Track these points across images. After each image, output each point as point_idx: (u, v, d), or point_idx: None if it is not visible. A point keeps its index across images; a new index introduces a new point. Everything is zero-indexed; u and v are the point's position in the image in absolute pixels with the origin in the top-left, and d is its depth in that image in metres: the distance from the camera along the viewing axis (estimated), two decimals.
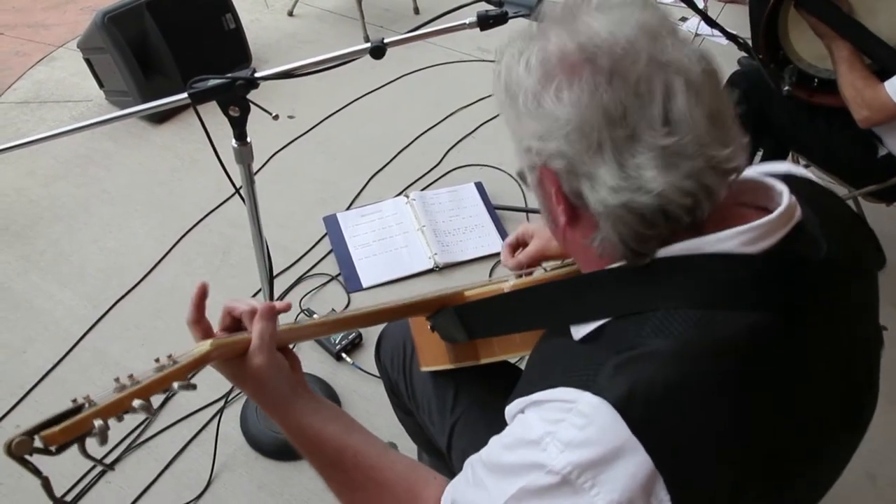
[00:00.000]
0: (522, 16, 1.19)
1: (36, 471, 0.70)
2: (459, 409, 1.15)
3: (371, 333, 1.91)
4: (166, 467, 1.70)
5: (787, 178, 0.78)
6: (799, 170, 0.88)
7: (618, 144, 0.66)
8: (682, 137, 0.66)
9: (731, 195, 0.71)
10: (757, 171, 0.82)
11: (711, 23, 1.34)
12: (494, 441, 0.74)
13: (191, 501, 1.64)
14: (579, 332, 0.75)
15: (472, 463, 0.76)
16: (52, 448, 0.69)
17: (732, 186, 0.70)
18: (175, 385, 0.78)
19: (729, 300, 0.68)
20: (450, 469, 1.16)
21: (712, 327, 0.66)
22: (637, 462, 0.62)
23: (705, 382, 0.65)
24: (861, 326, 0.78)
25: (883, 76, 1.62)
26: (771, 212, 0.72)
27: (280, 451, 1.71)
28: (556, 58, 0.69)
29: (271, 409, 0.90)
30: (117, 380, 0.76)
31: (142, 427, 1.76)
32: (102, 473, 1.66)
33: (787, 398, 0.69)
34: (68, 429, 0.69)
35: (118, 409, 0.74)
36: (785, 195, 0.73)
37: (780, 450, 0.70)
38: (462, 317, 0.99)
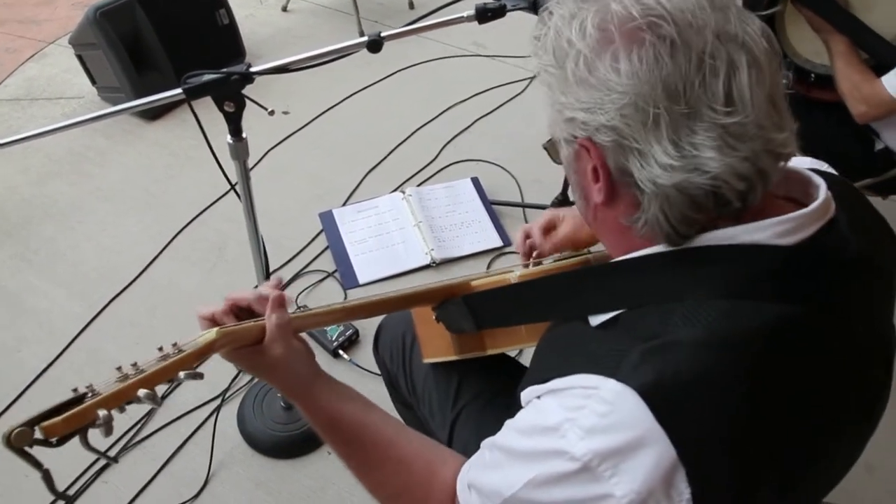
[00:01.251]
0: (521, 9, 1.18)
1: (36, 463, 0.68)
2: (461, 404, 1.14)
3: (368, 330, 1.90)
4: (163, 466, 1.69)
5: (813, 173, 0.76)
6: (822, 165, 0.87)
7: (676, 121, 0.63)
8: (745, 117, 0.63)
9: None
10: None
11: None
12: (509, 425, 0.73)
13: (188, 500, 1.63)
14: (598, 318, 0.73)
15: (488, 446, 0.75)
16: (53, 440, 0.67)
17: (782, 172, 0.68)
18: (181, 374, 0.76)
19: (760, 291, 0.66)
20: None
21: (741, 318, 0.64)
22: (660, 452, 0.61)
23: (732, 374, 0.64)
24: (879, 324, 0.78)
25: (879, 71, 1.62)
26: (804, 204, 0.70)
27: (277, 449, 1.71)
28: (615, 22, 0.64)
29: (293, 393, 0.90)
30: (120, 368, 0.74)
31: (139, 426, 1.75)
32: (99, 473, 1.65)
33: (808, 392, 0.69)
34: (71, 419, 0.67)
35: (122, 398, 0.71)
36: (822, 189, 0.71)
37: (798, 443, 0.69)
38: (471, 306, 0.97)
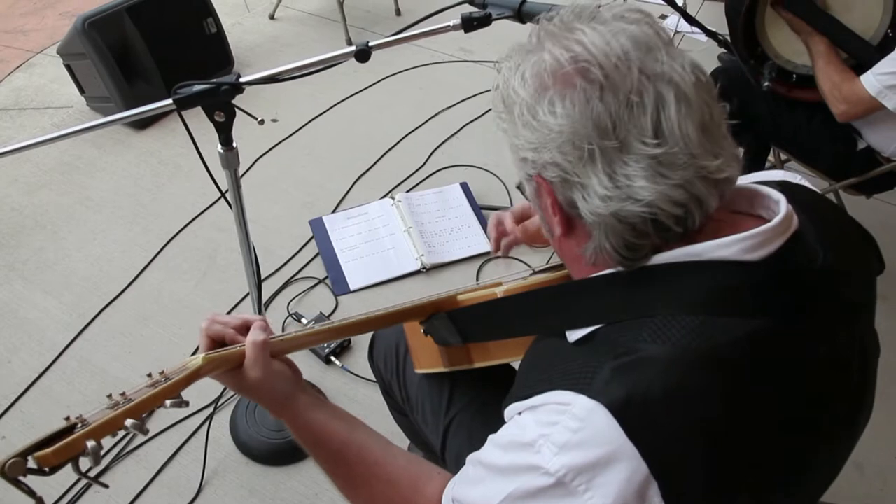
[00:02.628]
0: (506, 17, 1.19)
1: (30, 492, 0.70)
2: (453, 411, 1.15)
3: (360, 336, 1.91)
4: (156, 475, 1.69)
5: (783, 186, 0.78)
6: (794, 177, 0.89)
7: (608, 155, 0.67)
8: (672, 147, 0.66)
9: (725, 204, 0.72)
10: (752, 179, 0.82)
11: (691, 20, 1.35)
12: (491, 440, 0.75)
13: None
14: (574, 334, 0.75)
15: (472, 461, 0.77)
16: (46, 468, 0.69)
17: (725, 197, 0.71)
18: (167, 403, 0.79)
19: (729, 307, 0.68)
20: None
21: (711, 334, 0.66)
22: (632, 468, 0.62)
23: (703, 389, 0.65)
24: (858, 333, 0.79)
25: (859, 70, 1.65)
26: (766, 220, 0.72)
27: (270, 456, 1.71)
28: (549, 70, 0.70)
29: (277, 411, 0.92)
30: (110, 396, 0.76)
31: (131, 435, 1.75)
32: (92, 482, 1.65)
33: (784, 405, 0.70)
34: (61, 450, 0.70)
35: (111, 428, 0.74)
36: (782, 203, 0.74)
37: (775, 456, 0.70)
38: (456, 321, 0.99)
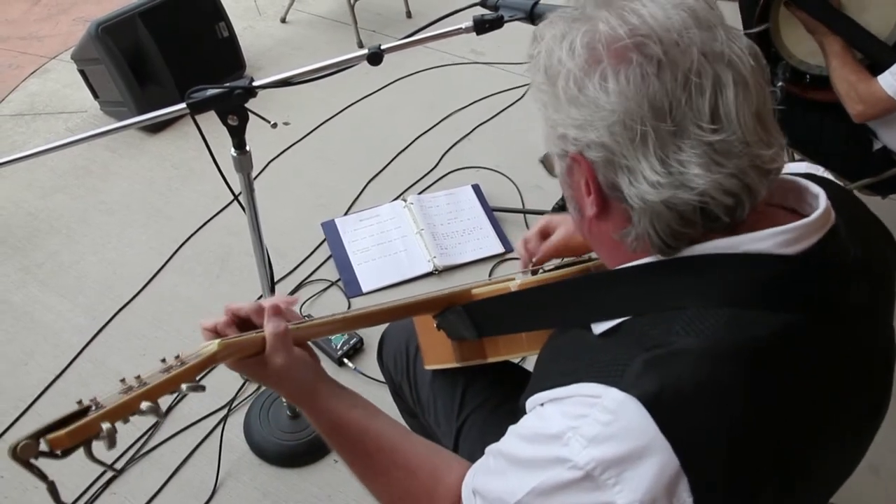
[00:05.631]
0: (518, 19, 1.19)
1: (42, 475, 0.69)
2: (465, 412, 1.15)
3: (372, 338, 1.91)
4: (171, 476, 1.70)
5: (808, 178, 0.77)
6: (818, 169, 0.87)
7: (662, 138, 0.64)
8: (729, 134, 0.64)
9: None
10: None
11: None
12: (513, 432, 0.73)
13: None
14: (601, 326, 0.73)
15: (493, 452, 0.76)
16: (58, 452, 0.68)
17: (770, 187, 0.69)
18: (184, 387, 0.77)
19: (763, 300, 0.66)
20: None
21: (745, 327, 0.65)
22: (663, 461, 0.61)
23: (733, 382, 0.64)
24: (880, 328, 0.78)
25: (874, 70, 1.63)
26: (802, 214, 0.71)
27: (284, 458, 1.71)
28: (603, 42, 0.66)
29: (298, 400, 0.91)
30: (123, 380, 0.75)
31: (146, 436, 1.76)
32: (107, 484, 1.66)
33: (812, 399, 0.69)
34: (75, 432, 0.68)
35: (126, 411, 0.72)
36: (822, 198, 0.71)
37: (801, 449, 0.70)
38: (472, 314, 0.98)
